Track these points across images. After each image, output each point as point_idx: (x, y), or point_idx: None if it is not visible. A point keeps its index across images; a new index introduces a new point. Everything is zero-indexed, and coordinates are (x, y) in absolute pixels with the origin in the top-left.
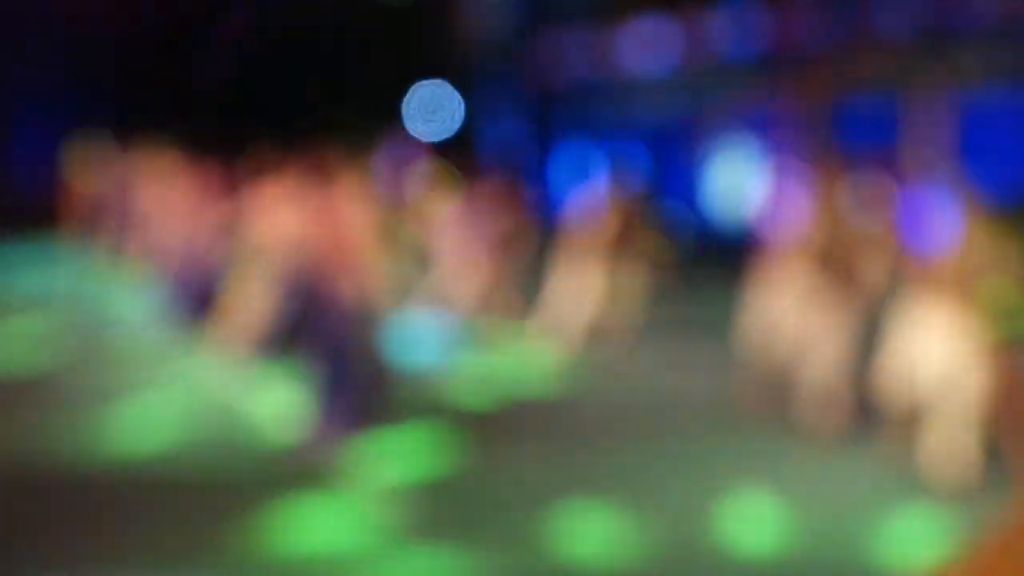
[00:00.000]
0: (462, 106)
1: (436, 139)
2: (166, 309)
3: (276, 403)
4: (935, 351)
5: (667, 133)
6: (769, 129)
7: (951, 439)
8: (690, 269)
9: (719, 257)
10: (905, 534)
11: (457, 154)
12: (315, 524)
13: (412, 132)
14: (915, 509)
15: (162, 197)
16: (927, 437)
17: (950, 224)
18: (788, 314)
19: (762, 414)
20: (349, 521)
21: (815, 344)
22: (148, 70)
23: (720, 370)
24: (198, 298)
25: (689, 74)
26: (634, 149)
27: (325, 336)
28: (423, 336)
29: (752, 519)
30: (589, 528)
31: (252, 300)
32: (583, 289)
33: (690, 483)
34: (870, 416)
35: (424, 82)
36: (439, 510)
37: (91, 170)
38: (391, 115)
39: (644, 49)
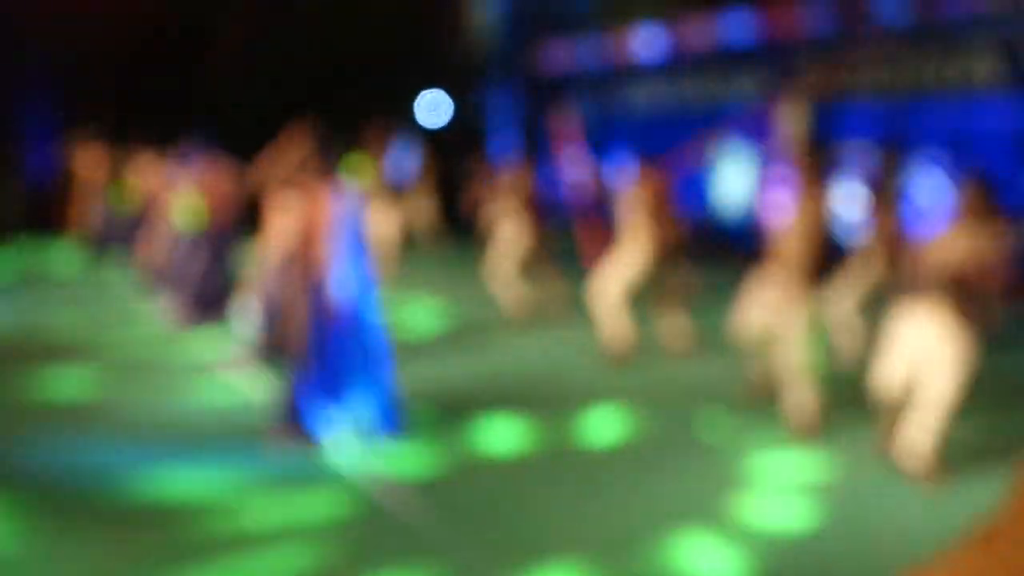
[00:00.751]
0: (452, 106)
1: (436, 127)
2: (170, 305)
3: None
4: (917, 341)
5: (662, 127)
6: (763, 125)
7: (926, 428)
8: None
9: (715, 249)
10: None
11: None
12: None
13: (421, 123)
14: (898, 502)
15: (168, 195)
16: (907, 427)
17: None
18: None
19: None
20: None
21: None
22: (160, 66)
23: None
24: (202, 293)
25: (683, 68)
26: (630, 143)
27: (308, 325)
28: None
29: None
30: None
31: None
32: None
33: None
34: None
35: (428, 91)
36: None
37: (98, 169)
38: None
39: (639, 46)
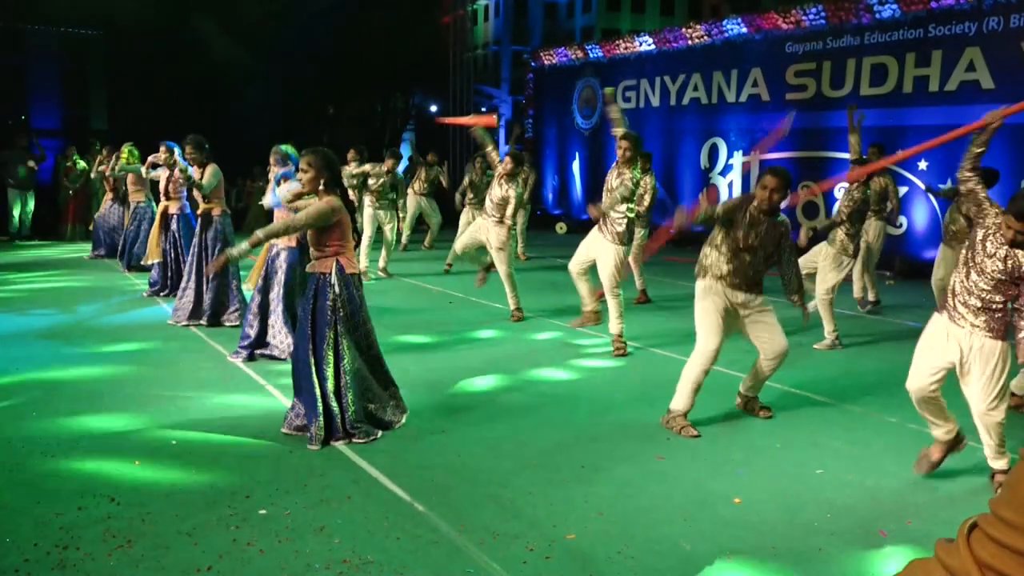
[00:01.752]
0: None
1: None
2: (181, 311)
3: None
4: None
5: (652, 123)
6: (756, 122)
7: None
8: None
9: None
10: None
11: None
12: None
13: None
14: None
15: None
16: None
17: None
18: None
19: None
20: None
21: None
22: (161, 70)
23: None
24: (201, 294)
25: (675, 64)
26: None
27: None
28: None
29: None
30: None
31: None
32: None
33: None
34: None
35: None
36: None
37: (101, 173)
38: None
39: (628, 46)
